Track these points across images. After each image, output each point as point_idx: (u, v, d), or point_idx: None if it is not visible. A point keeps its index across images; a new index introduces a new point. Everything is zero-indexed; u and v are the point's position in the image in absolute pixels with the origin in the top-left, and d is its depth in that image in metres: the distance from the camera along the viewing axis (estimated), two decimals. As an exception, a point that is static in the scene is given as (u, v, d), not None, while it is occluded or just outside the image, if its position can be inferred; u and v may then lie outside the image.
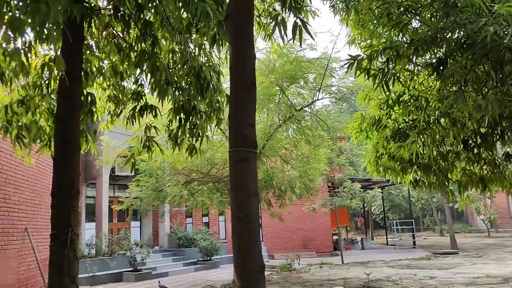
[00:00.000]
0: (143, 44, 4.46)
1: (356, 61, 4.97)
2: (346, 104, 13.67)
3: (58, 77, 4.57)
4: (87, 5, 4.33)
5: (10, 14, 3.36)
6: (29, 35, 3.65)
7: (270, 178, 11.60)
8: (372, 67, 5.16)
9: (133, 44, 4.84)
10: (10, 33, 3.44)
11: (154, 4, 4.29)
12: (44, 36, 3.30)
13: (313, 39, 4.70)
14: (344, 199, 16.90)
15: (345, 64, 5.09)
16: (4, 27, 3.39)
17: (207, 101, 5.10)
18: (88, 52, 5.04)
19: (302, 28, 3.40)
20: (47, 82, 5.14)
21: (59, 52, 4.10)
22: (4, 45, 4.08)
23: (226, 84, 10.50)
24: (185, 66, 4.78)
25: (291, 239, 21.28)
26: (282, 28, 3.40)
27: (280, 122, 11.44)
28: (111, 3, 4.34)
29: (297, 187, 12.50)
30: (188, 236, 18.17)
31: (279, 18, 3.40)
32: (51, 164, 12.01)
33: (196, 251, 17.26)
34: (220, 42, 4.19)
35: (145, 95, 5.43)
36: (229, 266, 15.46)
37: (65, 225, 3.84)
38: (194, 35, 4.72)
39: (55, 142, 4.27)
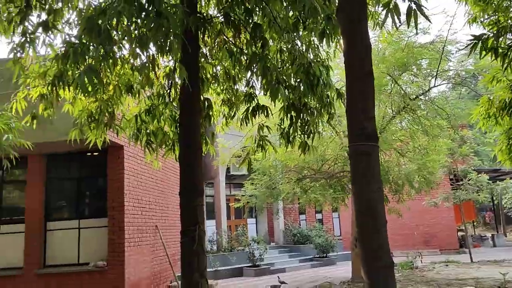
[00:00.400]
0: (253, 47, 4.59)
1: (480, 41, 4.51)
2: (466, 89, 12.52)
3: (178, 86, 4.93)
4: (200, 15, 4.60)
5: (136, 32, 3.72)
6: (152, 49, 4.00)
7: (386, 173, 11.11)
8: (500, 46, 4.63)
9: (244, 48, 5.02)
10: (137, 49, 3.81)
11: (262, 6, 4.39)
12: (165, 49, 3.58)
13: (430, 22, 4.31)
14: (469, 192, 15.53)
15: (467, 46, 4.65)
16: (131, 44, 3.78)
17: (317, 97, 5.07)
18: (202, 59, 5.35)
19: (418, 12, 3.18)
20: (168, 91, 5.58)
21: (177, 63, 4.43)
22: (131, 60, 4.57)
23: (334, 79, 10.36)
24: (294, 64, 4.81)
25: (411, 236, 20.18)
26: (395, 14, 3.22)
27: (394, 113, 10.90)
28: (222, 11, 4.55)
29: (416, 181, 11.79)
30: (303, 232, 18.30)
31: (392, 4, 3.23)
32: (174, 167, 13.02)
33: (311, 247, 17.31)
34: (330, 36, 4.13)
35: (256, 96, 5.59)
36: (346, 263, 15.22)
37: (193, 222, 4.13)
38: (301, 32, 4.73)
39: (180, 146, 4.61)
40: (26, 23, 4.45)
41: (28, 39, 4.39)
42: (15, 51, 4.40)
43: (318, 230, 18.08)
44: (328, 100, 5.27)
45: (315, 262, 16.57)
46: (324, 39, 4.23)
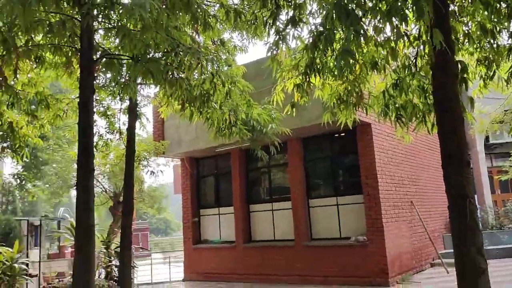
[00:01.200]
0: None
1: None
2: None
3: (425, 53, 4.62)
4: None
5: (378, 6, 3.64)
6: (395, 20, 3.83)
7: None
8: None
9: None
10: (380, 24, 3.73)
11: None
12: (414, 16, 3.40)
13: None
14: None
15: None
16: (375, 19, 3.73)
17: None
18: (451, 19, 4.86)
19: None
20: (414, 61, 5.31)
21: (426, 27, 4.14)
22: (375, 36, 4.52)
23: None
24: None
25: None
26: None
27: None
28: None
29: None
30: None
31: None
32: (424, 140, 12.44)
33: None
34: None
35: (526, 46, 4.74)
36: None
37: (461, 195, 3.81)
38: None
39: (436, 114, 4.30)
40: (278, 23, 4.96)
41: (281, 37, 4.88)
42: (271, 50, 4.96)
43: None
44: None
45: None
46: None
